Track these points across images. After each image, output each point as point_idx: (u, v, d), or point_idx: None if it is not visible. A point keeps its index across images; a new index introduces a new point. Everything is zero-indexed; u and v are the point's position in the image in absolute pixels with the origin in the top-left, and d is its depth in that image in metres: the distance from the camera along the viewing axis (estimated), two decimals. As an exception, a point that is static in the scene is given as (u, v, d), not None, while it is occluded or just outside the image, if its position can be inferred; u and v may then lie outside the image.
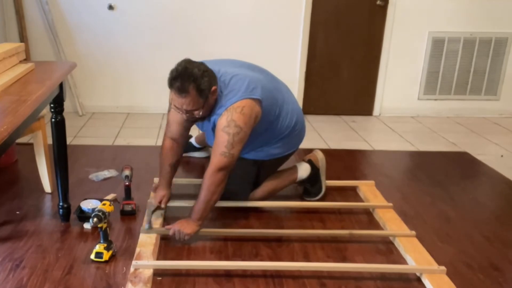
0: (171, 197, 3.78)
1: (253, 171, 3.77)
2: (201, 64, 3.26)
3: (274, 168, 3.90)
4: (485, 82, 6.71)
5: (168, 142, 3.66)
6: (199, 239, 3.28)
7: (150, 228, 3.37)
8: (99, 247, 3.08)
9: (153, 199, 3.66)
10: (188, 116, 3.34)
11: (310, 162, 4.02)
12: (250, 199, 3.80)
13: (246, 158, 3.70)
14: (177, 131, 3.63)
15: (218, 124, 3.28)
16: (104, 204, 3.14)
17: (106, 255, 3.07)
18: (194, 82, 3.14)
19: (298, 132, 3.79)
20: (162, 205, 3.63)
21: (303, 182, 4.01)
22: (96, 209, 3.08)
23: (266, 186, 3.85)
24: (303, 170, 3.98)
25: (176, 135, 3.64)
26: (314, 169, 3.99)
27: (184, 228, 3.26)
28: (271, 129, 3.60)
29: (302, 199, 4.01)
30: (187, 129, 3.68)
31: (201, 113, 3.29)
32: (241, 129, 3.23)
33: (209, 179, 3.27)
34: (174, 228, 3.28)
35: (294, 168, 3.99)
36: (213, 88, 3.24)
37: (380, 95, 6.68)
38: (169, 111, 3.59)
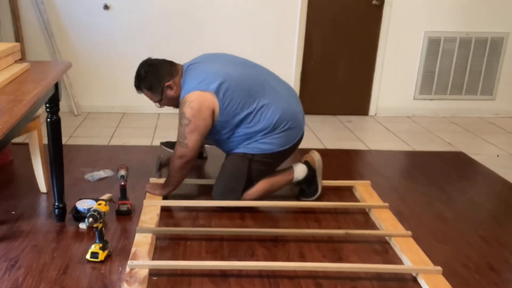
0: (167, 197, 3.80)
1: (244, 165, 3.75)
2: (150, 65, 3.77)
3: (266, 166, 3.84)
4: (481, 82, 6.72)
5: None
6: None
7: (160, 176, 4.21)
8: (94, 247, 3.08)
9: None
10: (159, 106, 3.89)
11: (306, 163, 4.01)
12: (245, 199, 3.79)
13: (235, 152, 3.81)
14: None
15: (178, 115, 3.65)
16: (99, 204, 3.14)
17: (101, 255, 3.06)
18: (141, 82, 3.77)
19: (287, 130, 3.74)
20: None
21: (299, 183, 4.00)
22: (91, 209, 3.07)
23: (262, 186, 3.83)
24: (300, 171, 3.97)
25: None
26: (311, 170, 3.98)
27: (150, 186, 3.94)
28: (246, 122, 3.69)
29: (298, 199, 4.00)
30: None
31: (165, 103, 3.83)
32: (189, 121, 3.54)
33: (173, 162, 3.72)
34: (147, 186, 3.95)
35: (290, 169, 3.98)
36: (167, 83, 3.71)
37: (376, 95, 6.68)
38: None
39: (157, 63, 3.77)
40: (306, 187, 4.01)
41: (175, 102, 3.78)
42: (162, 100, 3.78)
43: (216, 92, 3.56)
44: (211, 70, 3.68)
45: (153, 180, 4.08)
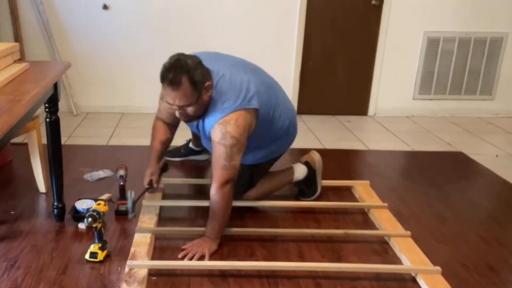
0: (166, 196, 3.78)
1: (247, 175, 3.69)
2: (195, 57, 3.11)
3: (267, 168, 3.87)
4: (480, 82, 6.72)
5: (159, 123, 3.74)
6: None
7: (134, 216, 3.49)
8: (93, 247, 3.08)
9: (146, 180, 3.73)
10: (180, 113, 3.16)
11: (307, 163, 4.00)
12: (245, 199, 3.78)
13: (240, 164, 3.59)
14: (168, 118, 3.66)
15: (212, 136, 3.17)
16: (98, 204, 3.14)
17: (100, 255, 3.06)
18: (187, 73, 2.99)
19: (291, 131, 3.76)
20: (154, 185, 3.69)
21: (299, 183, 4.00)
22: (90, 209, 3.07)
23: (262, 187, 3.82)
24: (300, 172, 3.97)
25: (167, 120, 3.70)
26: (311, 170, 3.99)
27: (204, 247, 3.20)
28: (265, 133, 3.51)
29: (297, 199, 4.00)
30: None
31: (194, 110, 3.13)
32: (237, 140, 3.12)
33: (218, 195, 3.20)
34: (191, 248, 3.20)
35: (290, 169, 3.97)
36: (207, 83, 3.08)
37: (375, 95, 6.68)
38: (161, 98, 3.61)
39: (198, 59, 3.14)
40: (305, 188, 4.01)
41: (202, 111, 3.21)
42: (197, 102, 3.11)
43: (259, 109, 3.26)
44: (244, 82, 3.28)
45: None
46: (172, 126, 3.75)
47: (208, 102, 3.18)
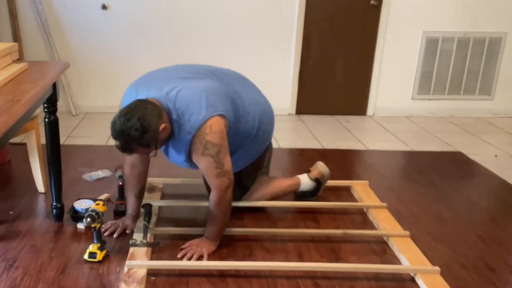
0: (165, 196, 3.78)
1: (235, 183, 3.44)
2: (141, 116, 2.85)
3: (254, 168, 3.71)
4: (479, 82, 6.73)
5: (129, 169, 3.38)
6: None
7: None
8: (92, 247, 3.08)
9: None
10: (154, 155, 3.06)
11: (317, 180, 3.94)
12: (252, 199, 3.76)
13: None
14: (136, 157, 3.35)
15: (194, 150, 3.05)
16: (97, 204, 3.13)
17: (99, 255, 3.06)
18: (135, 141, 2.86)
19: (264, 128, 3.53)
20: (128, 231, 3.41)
21: (303, 192, 3.97)
22: (89, 209, 3.06)
23: (265, 192, 3.77)
24: (307, 185, 3.93)
25: (135, 161, 3.37)
26: (319, 185, 3.96)
27: (201, 247, 3.18)
28: (238, 134, 3.33)
29: (296, 199, 3.99)
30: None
31: (155, 153, 3.01)
32: (220, 145, 3.02)
33: (220, 206, 3.16)
34: (190, 247, 3.19)
35: (296, 180, 3.92)
36: (162, 127, 2.91)
37: (374, 95, 6.69)
38: None
39: (142, 113, 2.89)
40: (310, 195, 3.98)
41: (166, 141, 3.11)
42: (157, 148, 3.01)
43: (224, 113, 3.10)
44: (204, 91, 3.12)
45: (151, 180, 4.01)
46: (144, 168, 3.42)
47: (171, 131, 3.06)
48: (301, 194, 3.99)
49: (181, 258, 3.12)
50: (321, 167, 4.01)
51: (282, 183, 3.90)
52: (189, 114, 3.01)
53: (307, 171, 3.99)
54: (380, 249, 3.35)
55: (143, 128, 2.84)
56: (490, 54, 6.61)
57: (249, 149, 3.51)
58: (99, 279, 2.92)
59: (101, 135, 5.49)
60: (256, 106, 3.44)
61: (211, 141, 3.00)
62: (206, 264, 3.04)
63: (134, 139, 2.84)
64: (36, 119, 3.85)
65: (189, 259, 3.11)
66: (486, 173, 4.78)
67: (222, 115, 3.08)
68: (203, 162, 3.07)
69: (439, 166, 4.91)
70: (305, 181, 3.93)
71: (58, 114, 3.44)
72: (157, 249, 3.21)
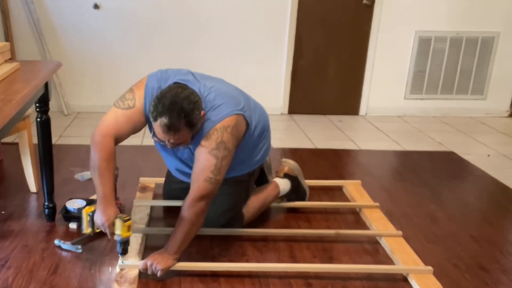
0: (157, 196, 3.77)
1: (246, 188, 3.48)
2: (189, 93, 2.78)
3: (255, 176, 3.63)
4: (472, 81, 6.74)
5: (105, 163, 2.96)
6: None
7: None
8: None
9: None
10: (171, 145, 2.88)
11: (286, 175, 3.83)
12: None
13: (240, 179, 3.39)
14: (127, 135, 3.17)
15: (204, 144, 2.88)
16: (125, 221, 2.87)
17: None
18: (185, 118, 2.71)
19: (268, 135, 3.51)
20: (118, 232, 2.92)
21: (286, 194, 3.83)
22: (122, 239, 2.87)
23: (252, 209, 3.57)
24: (284, 185, 3.79)
25: (123, 137, 3.15)
26: (293, 179, 3.85)
27: (158, 262, 2.87)
28: (250, 140, 3.25)
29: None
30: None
31: (188, 141, 2.90)
32: (229, 152, 2.89)
33: (190, 209, 2.90)
34: (147, 262, 2.89)
35: (273, 184, 3.75)
36: (202, 113, 2.84)
37: (366, 95, 6.69)
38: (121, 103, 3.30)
39: (191, 92, 2.82)
40: (294, 196, 3.86)
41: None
42: (192, 135, 2.89)
43: (244, 114, 3.03)
44: (234, 94, 3.09)
45: (142, 179, 4.01)
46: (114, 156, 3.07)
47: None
48: (288, 198, 3.87)
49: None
50: (285, 163, 3.89)
51: (262, 190, 3.70)
52: (217, 104, 2.92)
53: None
54: (373, 249, 3.35)
55: (194, 104, 2.75)
56: (483, 54, 6.63)
57: (257, 156, 3.43)
58: (91, 279, 2.91)
59: (94, 135, 5.48)
60: (261, 117, 3.37)
61: (226, 143, 2.88)
62: (198, 265, 3.01)
63: (185, 112, 2.70)
64: (28, 118, 3.84)
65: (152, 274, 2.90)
66: (479, 173, 4.79)
67: (248, 122, 3.08)
68: (203, 159, 2.88)
69: (432, 166, 4.92)
70: (279, 181, 3.78)
71: (50, 113, 3.43)
72: (148, 249, 3.20)
